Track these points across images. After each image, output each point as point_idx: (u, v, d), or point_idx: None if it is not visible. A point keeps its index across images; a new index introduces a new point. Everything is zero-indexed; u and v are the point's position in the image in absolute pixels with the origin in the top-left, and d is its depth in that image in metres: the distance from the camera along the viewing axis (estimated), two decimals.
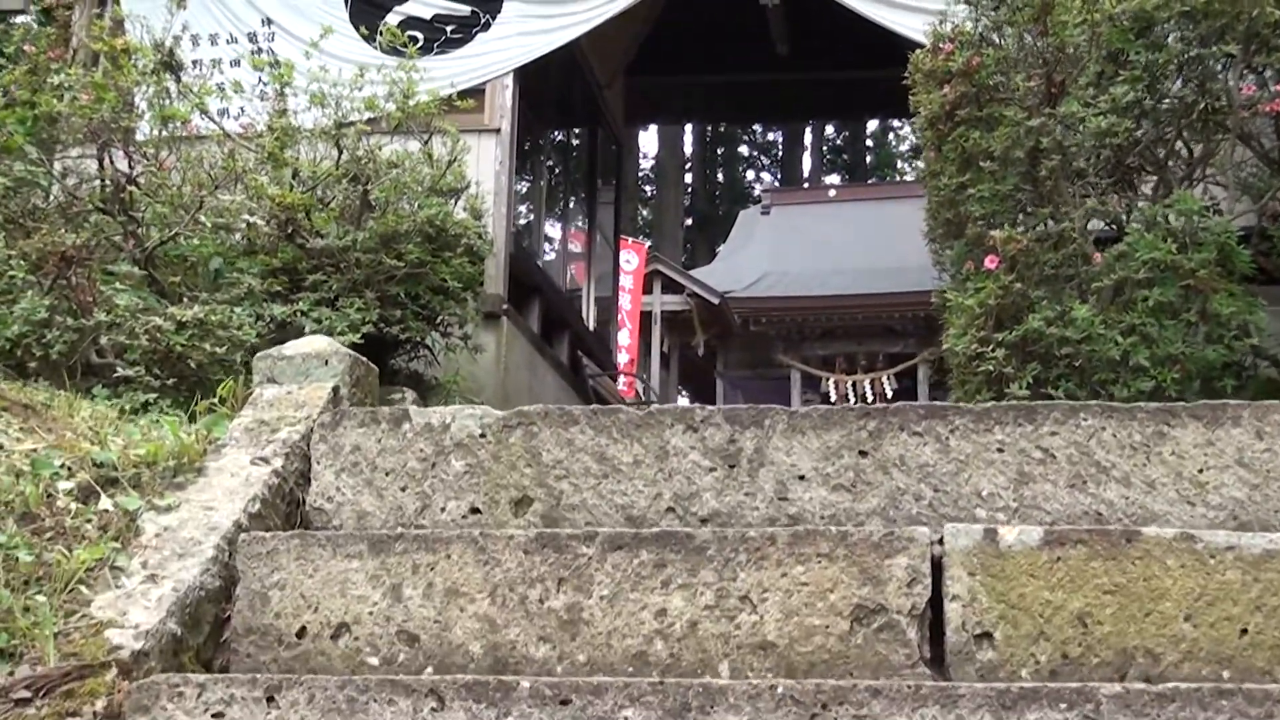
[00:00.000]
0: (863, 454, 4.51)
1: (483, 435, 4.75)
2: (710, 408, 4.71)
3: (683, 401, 47.21)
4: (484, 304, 11.16)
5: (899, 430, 4.54)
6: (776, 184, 54.49)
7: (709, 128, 51.45)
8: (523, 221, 13.78)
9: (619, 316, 22.74)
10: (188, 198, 8.19)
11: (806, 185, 52.55)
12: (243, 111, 10.59)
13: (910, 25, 10.83)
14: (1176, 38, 7.11)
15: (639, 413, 4.72)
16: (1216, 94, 6.99)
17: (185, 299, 8.19)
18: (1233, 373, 6.91)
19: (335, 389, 5.44)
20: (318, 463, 4.86)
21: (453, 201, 10.40)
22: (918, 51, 7.86)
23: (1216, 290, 6.71)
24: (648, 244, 31.54)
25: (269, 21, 12.12)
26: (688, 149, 51.13)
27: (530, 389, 12.24)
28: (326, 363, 5.56)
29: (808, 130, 52.67)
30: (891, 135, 55.33)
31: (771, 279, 32.91)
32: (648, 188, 53.73)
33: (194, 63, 11.93)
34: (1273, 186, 7.43)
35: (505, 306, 11.49)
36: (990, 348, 6.77)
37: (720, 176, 58.78)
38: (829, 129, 55.96)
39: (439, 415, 4.83)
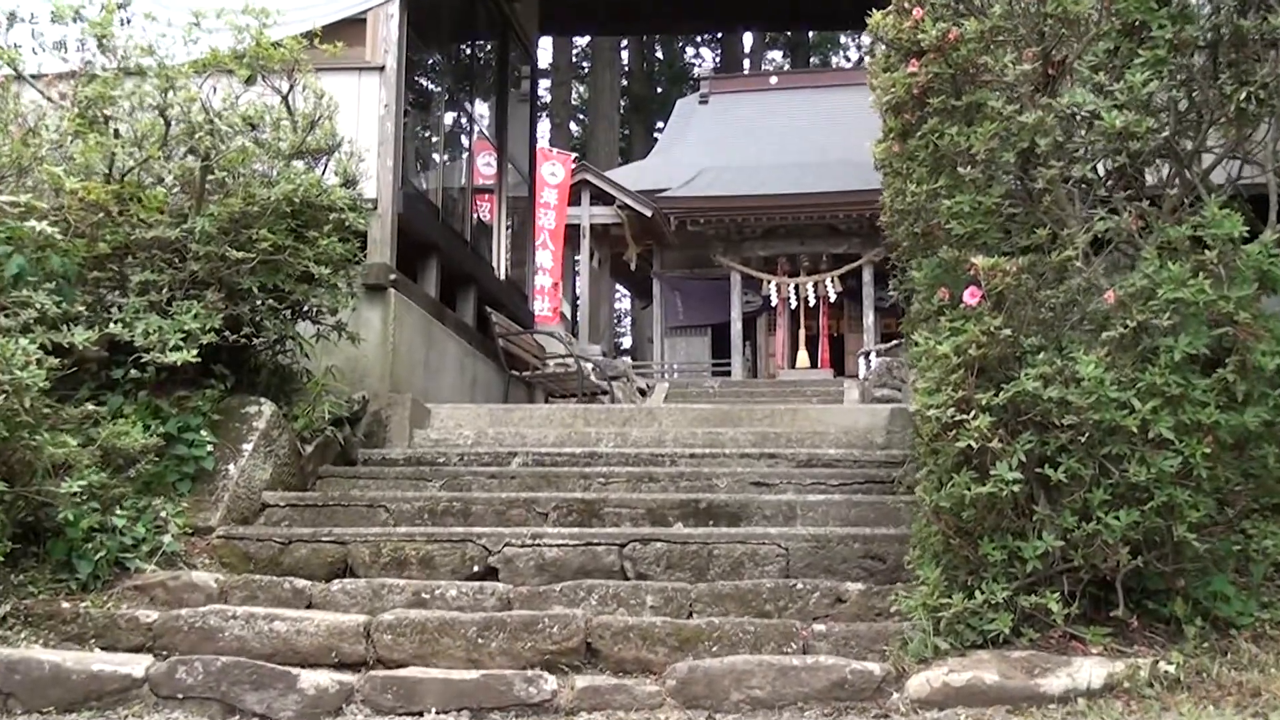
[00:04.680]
0: None
1: None
2: None
3: (622, 304, 45.72)
4: (367, 275, 9.62)
5: None
6: (717, 60, 52.70)
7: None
8: (415, 169, 12.06)
9: (540, 239, 21.15)
10: None
11: (748, 62, 50.76)
12: (66, 52, 8.85)
13: None
14: (1207, 6, 5.54)
15: None
16: (1262, 81, 5.41)
17: None
18: (1275, 438, 5.44)
19: None
20: None
21: (322, 164, 8.74)
22: (877, 14, 6.21)
23: (1259, 337, 5.21)
24: (574, 154, 29.70)
25: None
26: None
27: (426, 365, 10.69)
28: None
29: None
30: None
31: (710, 175, 31.29)
32: (585, 64, 51.69)
33: None
34: None
35: (393, 276, 9.90)
36: (971, 414, 5.25)
37: (659, 54, 56.72)
38: None
39: None
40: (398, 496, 7.84)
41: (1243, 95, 5.41)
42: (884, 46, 6.18)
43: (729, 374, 31.51)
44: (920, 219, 6.09)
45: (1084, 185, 5.58)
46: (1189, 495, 5.18)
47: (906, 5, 5.95)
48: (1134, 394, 5.14)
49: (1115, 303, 5.26)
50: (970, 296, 5.42)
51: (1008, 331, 5.31)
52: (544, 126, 49.35)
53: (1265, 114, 5.58)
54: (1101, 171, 5.99)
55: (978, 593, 5.29)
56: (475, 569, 6.94)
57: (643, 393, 21.50)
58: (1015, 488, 5.18)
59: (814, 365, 30.86)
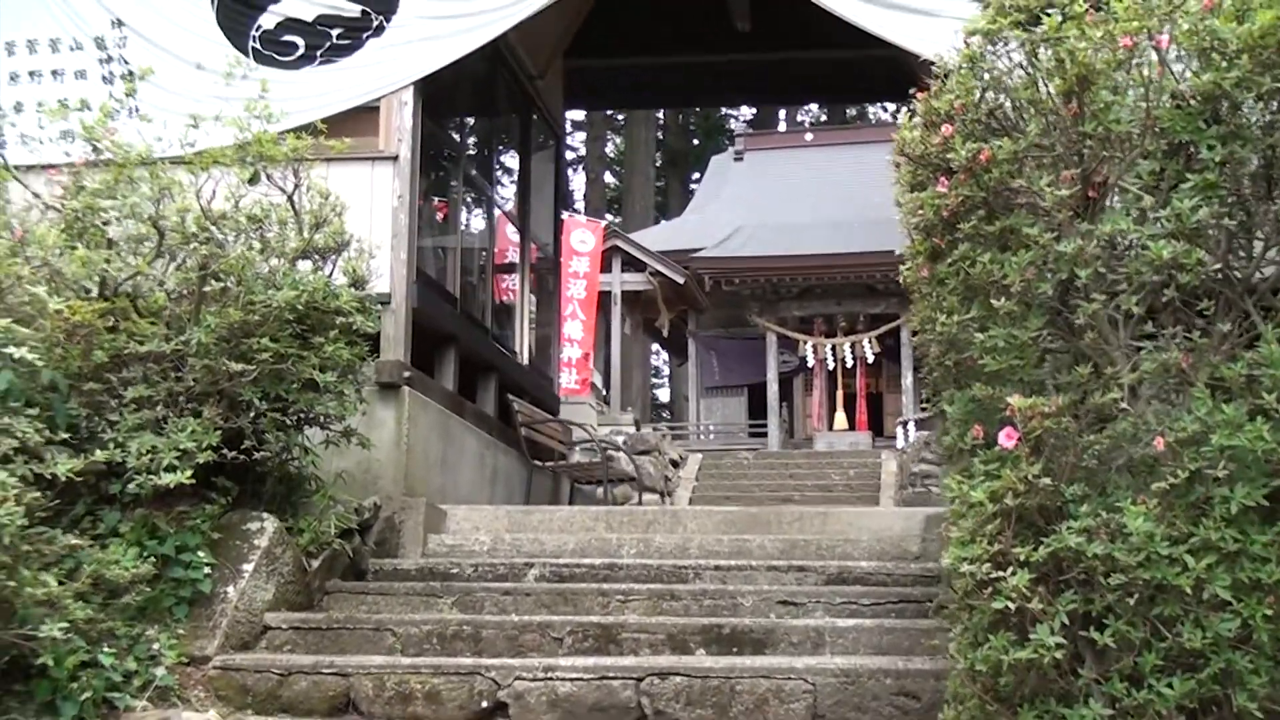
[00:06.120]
0: None
1: None
2: None
3: (659, 358, 45.30)
4: (380, 373, 9.29)
5: None
6: (752, 113, 52.50)
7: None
8: (432, 258, 11.72)
9: (569, 309, 20.83)
10: None
11: (784, 113, 50.49)
12: (72, 142, 8.59)
13: (899, 31, 8.88)
14: (1260, 122, 5.10)
15: None
16: None
17: None
18: None
19: None
20: None
21: (331, 263, 8.40)
22: (903, 126, 5.81)
23: None
24: (605, 221, 29.41)
25: (119, 23, 10.07)
26: None
27: (444, 463, 10.31)
28: None
29: None
30: None
31: (745, 234, 31.01)
32: (620, 117, 51.51)
33: (32, 74, 10.01)
34: None
35: (407, 374, 9.55)
36: (1009, 570, 4.82)
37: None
38: None
39: None
40: (406, 619, 7.45)
41: None
42: (909, 162, 5.77)
43: (765, 435, 31.15)
44: (952, 350, 5.67)
45: (1128, 315, 5.15)
46: (1249, 660, 4.73)
47: (935, 120, 5.55)
48: (1186, 550, 4.70)
49: (1165, 449, 4.83)
50: (1006, 438, 5.00)
51: (1047, 480, 4.88)
52: (579, 180, 49.32)
53: None
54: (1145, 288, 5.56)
55: None
56: (484, 705, 6.54)
57: (675, 464, 21.08)
58: (1058, 653, 4.75)
59: (851, 426, 30.44)
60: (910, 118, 5.90)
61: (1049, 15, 5.32)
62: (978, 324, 5.35)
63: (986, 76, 5.50)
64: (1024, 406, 4.93)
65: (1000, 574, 4.85)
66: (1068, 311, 5.19)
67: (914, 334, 6.41)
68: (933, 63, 6.01)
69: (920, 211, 5.61)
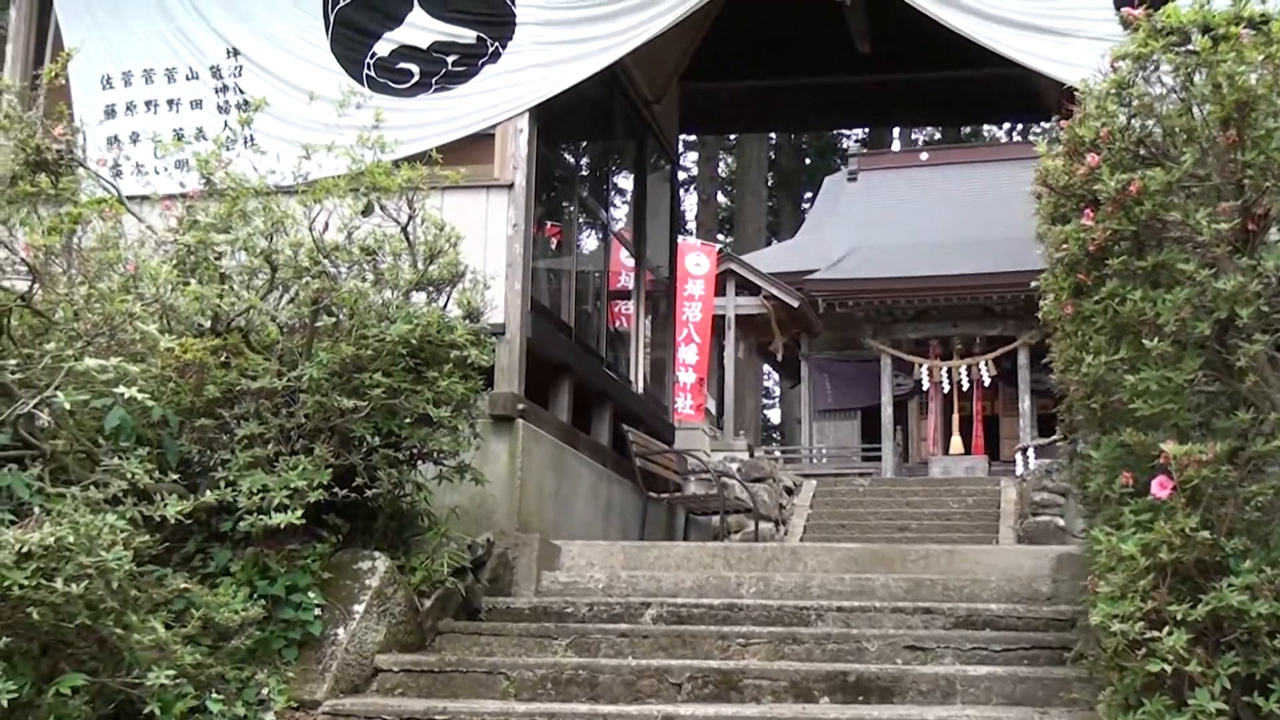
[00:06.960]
0: None
1: None
2: None
3: (770, 379, 45.00)
4: (494, 406, 9.12)
5: None
6: (865, 133, 52.04)
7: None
8: (546, 287, 11.52)
9: (683, 333, 20.61)
10: (47, 360, 6.00)
11: (897, 132, 49.96)
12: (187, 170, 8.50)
13: (1033, 53, 8.56)
14: None
15: None
16: None
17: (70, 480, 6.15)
18: None
19: None
20: None
21: (445, 295, 8.24)
22: (1044, 156, 5.51)
23: None
24: (719, 246, 29.21)
25: (235, 52, 10.02)
26: None
27: (557, 496, 10.11)
28: None
29: None
30: None
31: (859, 255, 30.64)
32: (732, 137, 51.27)
33: (148, 104, 9.99)
34: None
35: (521, 406, 9.35)
36: (1164, 630, 4.51)
37: None
38: None
39: None
40: (519, 662, 7.23)
41: None
42: (1051, 193, 5.47)
43: (879, 459, 30.73)
44: (1098, 392, 5.36)
45: None
46: None
47: (1078, 148, 5.25)
48: None
49: None
50: (1159, 487, 4.70)
51: (1205, 533, 4.57)
52: (691, 200, 49.11)
53: None
54: None
55: None
56: None
57: (789, 491, 20.77)
58: (1219, 719, 4.44)
59: (968, 451, 29.92)
60: (1050, 146, 5.61)
61: (1202, 38, 5.02)
62: (1127, 365, 5.04)
63: (1135, 103, 5.19)
64: (1179, 454, 4.63)
65: (1155, 633, 4.56)
66: (1226, 352, 4.87)
67: (1049, 371, 6.09)
68: (1064, 84, 5.73)
69: (1064, 245, 5.31)
